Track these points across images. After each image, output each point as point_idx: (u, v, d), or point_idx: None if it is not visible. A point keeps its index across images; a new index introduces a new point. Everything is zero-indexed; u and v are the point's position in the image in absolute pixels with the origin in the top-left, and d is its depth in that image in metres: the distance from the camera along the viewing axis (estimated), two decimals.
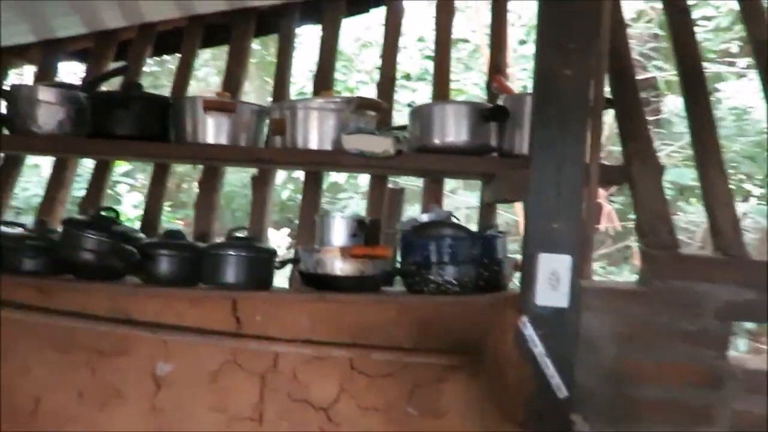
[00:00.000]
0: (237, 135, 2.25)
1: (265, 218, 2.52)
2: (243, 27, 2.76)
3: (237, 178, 6.19)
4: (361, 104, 2.18)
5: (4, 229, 2.35)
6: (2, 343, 2.31)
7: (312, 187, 2.52)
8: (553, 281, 1.79)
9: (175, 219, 5.79)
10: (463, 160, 2.10)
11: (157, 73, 6.73)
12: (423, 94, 5.35)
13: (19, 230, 2.36)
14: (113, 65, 2.83)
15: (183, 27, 2.82)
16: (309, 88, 2.93)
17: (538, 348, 1.82)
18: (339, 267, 2.09)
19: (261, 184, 2.55)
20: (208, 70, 7.31)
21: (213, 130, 2.22)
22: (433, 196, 2.46)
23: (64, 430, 2.27)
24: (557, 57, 1.83)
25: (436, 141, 2.12)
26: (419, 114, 2.18)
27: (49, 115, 2.26)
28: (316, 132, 2.18)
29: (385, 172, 2.42)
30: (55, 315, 2.30)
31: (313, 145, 2.17)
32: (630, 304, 1.89)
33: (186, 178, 6.76)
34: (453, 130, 2.11)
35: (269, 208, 2.56)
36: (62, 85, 2.38)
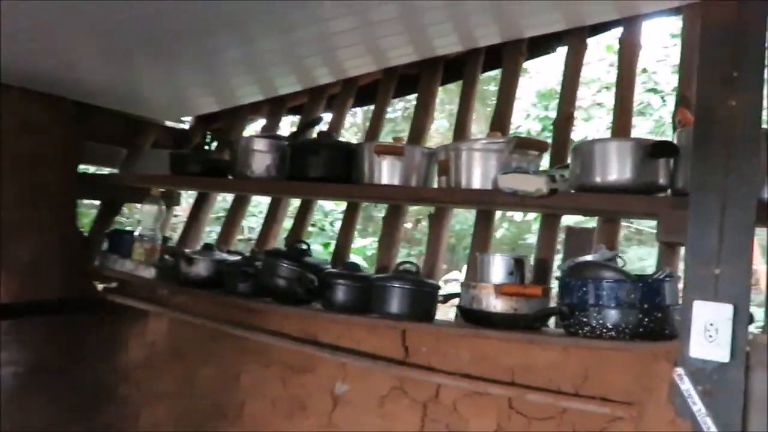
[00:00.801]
0: (408, 176, 2.43)
1: (438, 255, 2.64)
2: (431, 75, 2.96)
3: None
4: (519, 144, 2.21)
5: (227, 256, 2.83)
6: (217, 351, 2.76)
7: (483, 225, 2.58)
8: (710, 332, 1.62)
9: (410, 255, 6.15)
10: (620, 199, 1.99)
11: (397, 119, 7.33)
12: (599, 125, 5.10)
13: (237, 258, 2.82)
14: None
15: (379, 79, 3.11)
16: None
17: (697, 405, 1.65)
18: (492, 303, 2.12)
19: (436, 223, 2.69)
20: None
21: (387, 172, 2.43)
22: (605, 236, 2.35)
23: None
24: (720, 87, 1.68)
25: (597, 179, 2.04)
26: (580, 152, 2.13)
27: (260, 161, 2.68)
28: (479, 172, 2.25)
29: (543, 210, 2.39)
30: (260, 333, 2.69)
31: (476, 184, 2.24)
32: None
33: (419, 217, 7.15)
34: (615, 168, 2.02)
35: (443, 246, 2.67)
36: (272, 137, 2.82)
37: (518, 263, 2.21)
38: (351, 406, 2.48)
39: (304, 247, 2.67)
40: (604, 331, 1.94)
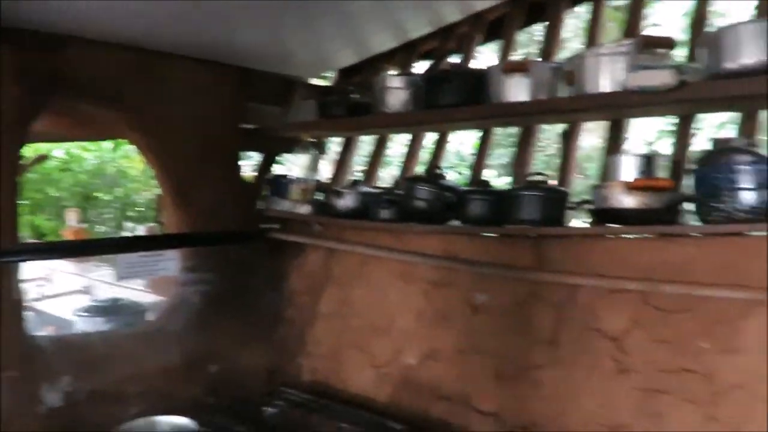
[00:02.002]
0: (537, 92, 2.51)
1: (570, 168, 2.71)
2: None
3: None
4: (645, 43, 2.22)
5: (371, 189, 3.11)
6: (366, 273, 3.05)
7: (614, 134, 2.61)
8: None
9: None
10: (753, 82, 1.94)
11: None
12: None
13: (380, 189, 3.08)
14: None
15: (506, 12, 3.19)
16: None
17: None
18: (623, 200, 2.17)
19: (569, 138, 2.75)
20: None
21: (515, 89, 2.53)
22: (746, 131, 2.29)
23: (410, 343, 2.86)
24: None
25: (729, 65, 2.01)
26: (708, 40, 2.09)
27: (396, 97, 2.90)
28: (606, 77, 2.28)
29: (675, 111, 2.37)
30: (403, 253, 2.94)
31: (605, 89, 2.28)
32: None
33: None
34: (747, 50, 1.96)
35: (574, 160, 2.74)
36: (405, 73, 3.03)
37: (648, 161, 2.24)
38: (490, 312, 2.64)
39: (441, 172, 2.86)
40: (740, 214, 1.93)
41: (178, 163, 3.12)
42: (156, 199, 7.24)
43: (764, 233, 1.99)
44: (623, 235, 2.33)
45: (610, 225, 2.26)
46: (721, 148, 2.10)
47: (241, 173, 3.50)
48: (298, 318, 3.32)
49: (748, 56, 1.96)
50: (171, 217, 3.16)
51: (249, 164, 3.84)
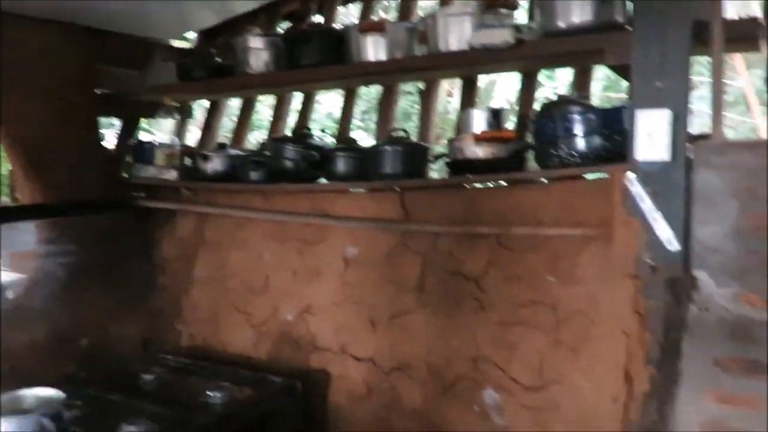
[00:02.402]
0: (393, 51, 2.61)
1: (429, 125, 2.87)
2: None
3: None
4: (491, 3, 2.37)
5: (239, 151, 3.10)
6: (240, 236, 3.07)
7: (467, 91, 2.78)
8: (652, 136, 1.83)
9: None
10: (582, 39, 2.15)
11: None
12: None
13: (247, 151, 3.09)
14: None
15: None
16: None
17: (645, 203, 1.87)
18: (473, 151, 2.35)
19: (426, 96, 2.90)
20: None
21: (372, 49, 2.61)
22: (578, 85, 2.54)
23: (287, 300, 2.94)
24: None
25: (561, 24, 2.20)
26: (543, 2, 2.27)
27: (257, 58, 2.89)
28: (455, 37, 2.42)
29: (519, 67, 2.58)
30: (274, 213, 2.98)
31: (454, 48, 2.43)
32: (753, 156, 1.80)
33: None
34: (576, 11, 2.15)
35: (434, 117, 2.89)
36: (266, 34, 3.02)
37: (495, 114, 2.43)
38: (361, 265, 2.77)
39: (307, 132, 2.92)
40: (572, 159, 2.16)
41: (29, 133, 2.94)
42: (8, 175, 6.70)
43: (596, 176, 2.25)
44: (478, 185, 2.52)
45: (464, 175, 2.43)
46: (556, 100, 2.32)
47: (101, 141, 3.36)
48: (173, 285, 3.28)
49: (577, 16, 2.17)
50: (24, 190, 2.98)
51: (113, 132, 3.68)
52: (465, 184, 2.52)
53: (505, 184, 2.51)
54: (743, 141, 1.95)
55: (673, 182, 1.84)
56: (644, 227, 1.88)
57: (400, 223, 2.68)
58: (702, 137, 1.92)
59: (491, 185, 2.53)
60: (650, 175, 1.87)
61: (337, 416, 2.76)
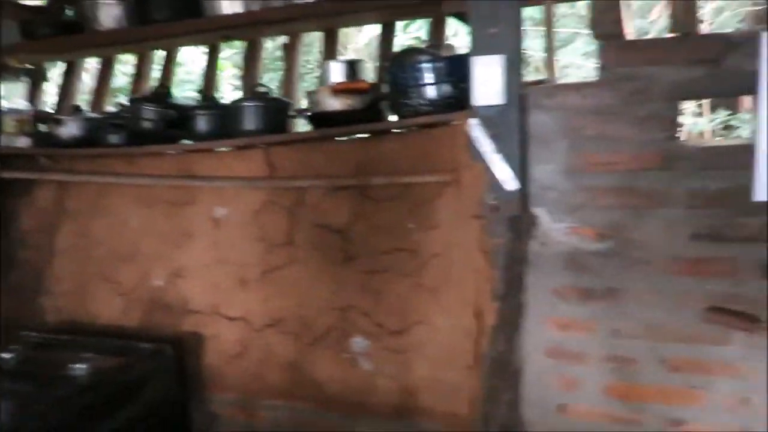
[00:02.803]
0: (249, 4, 2.55)
1: (294, 80, 2.84)
2: None
3: None
4: None
5: (96, 115, 2.95)
6: (104, 203, 2.95)
7: (328, 44, 2.77)
8: (489, 81, 1.91)
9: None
10: None
11: None
12: None
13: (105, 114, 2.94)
14: None
15: None
16: None
17: (486, 147, 1.96)
18: (331, 104, 2.36)
19: (290, 50, 2.87)
20: None
21: (227, 2, 2.54)
22: (434, 35, 2.60)
23: (156, 265, 2.87)
24: None
25: None
26: None
27: (107, 13, 2.74)
28: None
29: (374, 17, 2.60)
30: (139, 177, 2.88)
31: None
32: (579, 97, 1.92)
33: None
34: None
35: (297, 70, 2.87)
36: None
37: (352, 66, 2.44)
38: (230, 224, 2.74)
39: (166, 91, 2.82)
40: (422, 107, 2.22)
41: None
42: None
43: (450, 124, 2.32)
44: (338, 138, 2.54)
45: (324, 129, 2.44)
46: (406, 50, 2.36)
47: None
48: (34, 258, 3.11)
49: None
50: None
51: None
52: (328, 137, 2.53)
53: (365, 136, 2.54)
54: (570, 83, 2.06)
55: (510, 125, 1.93)
56: (486, 170, 1.98)
57: (266, 180, 2.66)
58: (539, 82, 2.03)
59: (354, 138, 2.55)
60: (488, 119, 1.95)
61: (211, 377, 2.75)
